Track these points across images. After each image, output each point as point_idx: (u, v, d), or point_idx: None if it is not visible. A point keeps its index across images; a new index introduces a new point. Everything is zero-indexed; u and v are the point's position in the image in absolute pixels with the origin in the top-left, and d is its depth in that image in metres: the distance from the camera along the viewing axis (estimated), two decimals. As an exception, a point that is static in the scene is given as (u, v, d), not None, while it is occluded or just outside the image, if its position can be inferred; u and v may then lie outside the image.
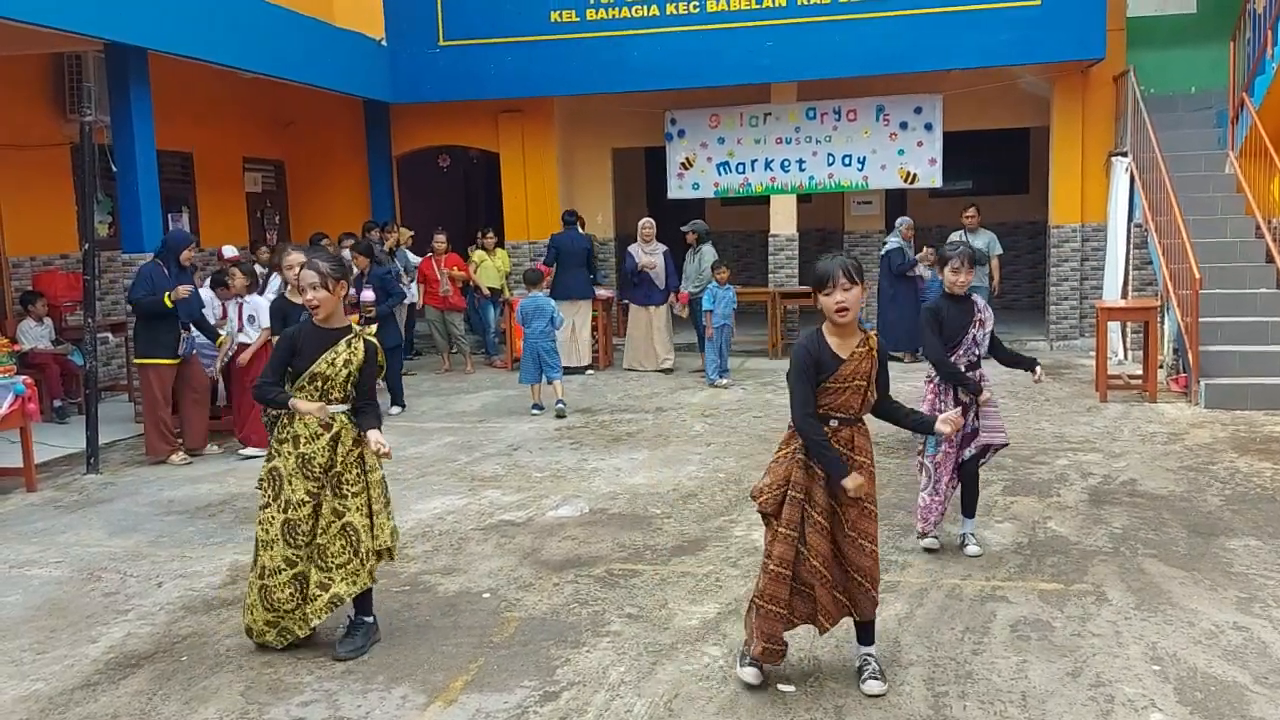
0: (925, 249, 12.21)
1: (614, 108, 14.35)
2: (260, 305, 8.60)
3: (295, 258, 6.12)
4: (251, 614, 4.52)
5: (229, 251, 11.03)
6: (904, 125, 13.65)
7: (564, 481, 7.36)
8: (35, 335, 9.97)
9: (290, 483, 4.43)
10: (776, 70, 13.12)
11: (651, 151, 15.59)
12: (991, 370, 5.66)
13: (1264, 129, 10.60)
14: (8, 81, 10.40)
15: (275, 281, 9.56)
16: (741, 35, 12.93)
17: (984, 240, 12.18)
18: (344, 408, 4.48)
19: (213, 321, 8.75)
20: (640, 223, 12.23)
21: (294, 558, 4.44)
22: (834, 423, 3.94)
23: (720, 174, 14.25)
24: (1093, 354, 10.49)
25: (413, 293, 12.96)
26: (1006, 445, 5.76)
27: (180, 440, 8.42)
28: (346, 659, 4.44)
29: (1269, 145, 10.50)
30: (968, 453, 5.49)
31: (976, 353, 5.43)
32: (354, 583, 4.45)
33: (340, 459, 4.43)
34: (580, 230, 12.74)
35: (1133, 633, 4.49)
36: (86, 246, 8.30)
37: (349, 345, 4.46)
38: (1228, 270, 10.36)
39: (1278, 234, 10.59)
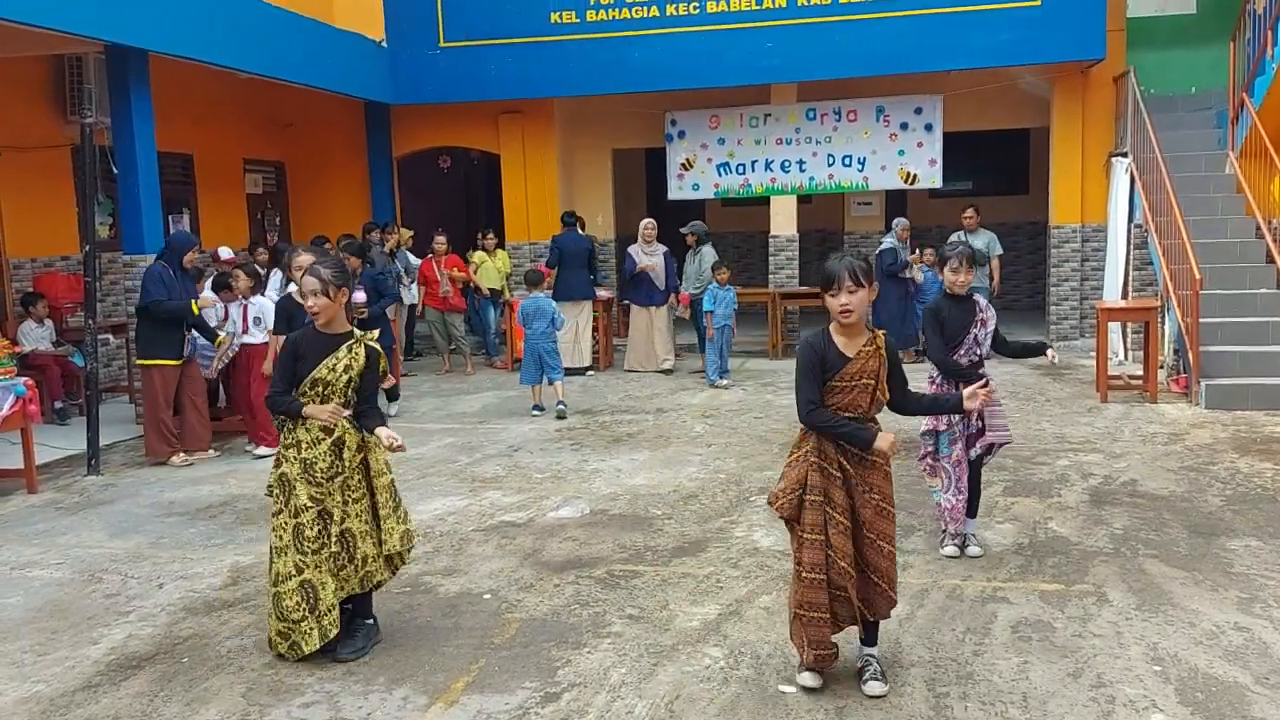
0: (925, 250, 12.22)
1: (614, 109, 14.35)
2: (266, 306, 8.60)
3: (304, 259, 6.13)
4: (269, 622, 4.52)
5: (225, 253, 11.05)
6: (904, 126, 13.65)
7: (565, 482, 7.36)
8: (36, 337, 9.98)
9: (295, 488, 4.43)
10: (777, 71, 13.12)
11: (652, 152, 15.59)
12: (992, 371, 5.66)
13: (1264, 129, 10.61)
14: (8, 83, 10.40)
15: (275, 281, 9.57)
16: (742, 36, 12.93)
17: (984, 240, 12.18)
18: (347, 412, 4.48)
19: (213, 324, 8.75)
20: (641, 224, 12.23)
21: (301, 564, 4.42)
22: (845, 435, 3.94)
23: (720, 175, 14.26)
24: (1093, 354, 10.49)
25: (413, 294, 12.97)
26: (1010, 443, 5.76)
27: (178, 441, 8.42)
28: (347, 660, 4.44)
29: (1269, 145, 10.50)
30: (974, 452, 5.49)
31: (978, 352, 5.43)
32: (342, 589, 4.46)
33: (345, 465, 4.43)
34: (579, 231, 12.75)
35: (1134, 633, 4.49)
36: (87, 248, 8.31)
37: (350, 351, 4.45)
38: (1228, 271, 10.36)
39: (1278, 234, 10.59)
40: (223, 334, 8.71)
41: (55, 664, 4.56)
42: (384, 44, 13.90)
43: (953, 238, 11.55)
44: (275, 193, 15.16)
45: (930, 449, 5.55)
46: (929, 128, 13.57)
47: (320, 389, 4.41)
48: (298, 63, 11.83)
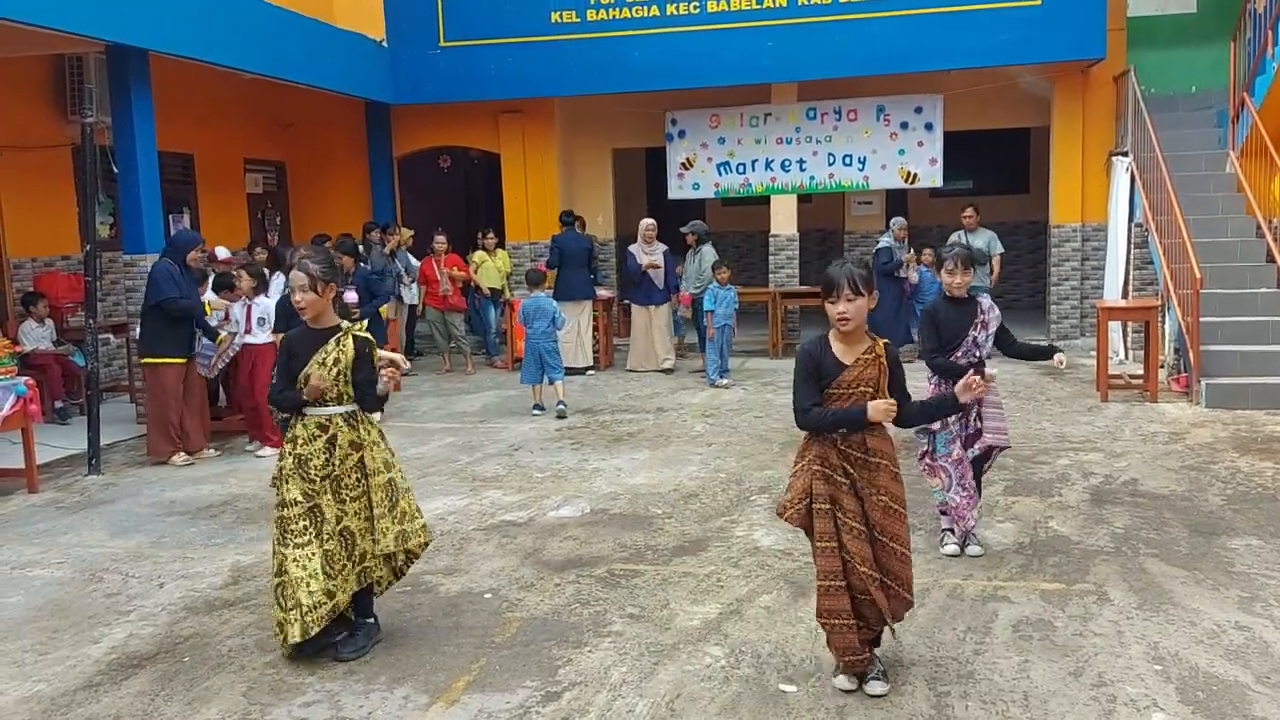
0: (924, 250, 12.22)
1: (614, 108, 14.36)
2: (269, 307, 8.60)
3: None
4: (272, 612, 4.53)
5: (222, 253, 11.06)
6: (904, 125, 13.65)
7: (565, 482, 7.36)
8: (37, 336, 9.98)
9: (287, 482, 4.44)
10: (777, 70, 13.13)
11: (652, 152, 15.59)
12: (993, 370, 5.65)
13: (1264, 128, 10.61)
14: (9, 83, 10.41)
15: (278, 281, 9.56)
16: (742, 35, 12.93)
17: (984, 240, 12.18)
18: (340, 409, 4.45)
19: (214, 323, 8.75)
20: (642, 224, 12.22)
21: (281, 557, 4.44)
22: (843, 429, 3.94)
23: (721, 174, 14.26)
24: (1094, 354, 10.49)
25: (413, 294, 12.96)
26: (1008, 448, 5.76)
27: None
28: (348, 659, 4.44)
29: (1269, 145, 10.50)
30: (971, 453, 5.49)
31: (977, 354, 5.43)
32: (346, 590, 4.46)
33: (339, 462, 4.42)
34: (578, 230, 12.75)
35: (1134, 632, 4.49)
36: (88, 248, 8.31)
37: (338, 344, 4.44)
38: (1228, 270, 10.36)
39: (1278, 233, 10.59)
40: (224, 333, 8.71)
41: (56, 663, 4.56)
42: (384, 44, 13.91)
43: (953, 237, 11.57)
44: (276, 192, 15.17)
45: (927, 448, 5.55)
46: (929, 127, 13.57)
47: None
48: (298, 63, 11.83)
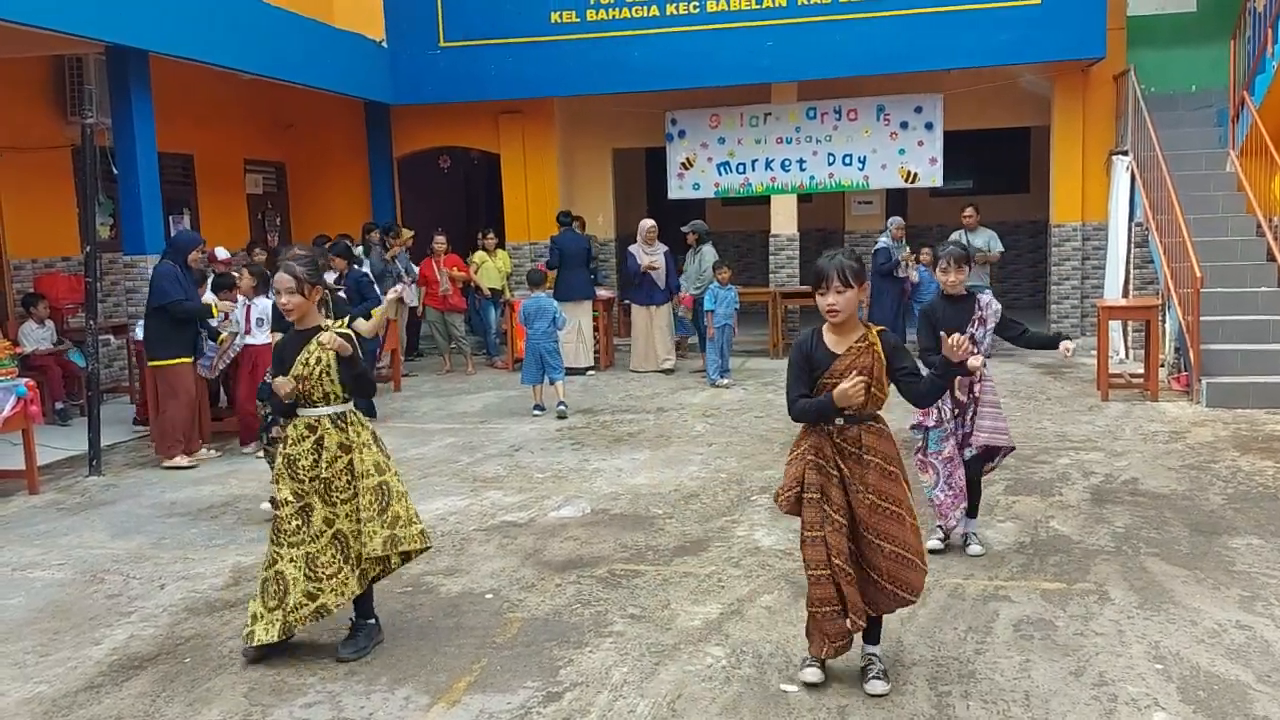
0: (924, 249, 12.21)
1: (614, 108, 14.36)
2: (267, 307, 8.60)
3: None
4: (250, 604, 4.57)
5: (221, 253, 11.05)
6: (904, 125, 13.65)
7: (566, 482, 7.36)
8: (37, 338, 9.98)
9: (278, 483, 4.47)
10: (776, 70, 13.13)
11: (652, 152, 15.60)
12: (992, 370, 5.65)
13: (1264, 127, 10.60)
14: (9, 84, 10.41)
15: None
16: (741, 35, 12.94)
17: (984, 239, 12.17)
18: (328, 410, 4.44)
19: (214, 323, 8.75)
20: (642, 225, 12.21)
21: (276, 555, 4.47)
22: (840, 420, 3.93)
23: (721, 174, 14.26)
24: (1094, 353, 10.49)
25: (413, 295, 12.96)
26: (1012, 450, 5.73)
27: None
28: (349, 660, 4.44)
29: (1269, 144, 10.49)
30: (967, 453, 5.49)
31: (976, 351, 5.43)
32: (342, 593, 4.44)
33: (326, 464, 4.41)
34: (576, 230, 12.75)
35: (1135, 632, 4.49)
36: (88, 249, 8.30)
37: (319, 343, 4.45)
38: (1229, 269, 10.36)
39: (1278, 232, 10.58)
40: (224, 333, 8.71)
41: (57, 664, 4.56)
42: (384, 44, 13.91)
43: (953, 236, 11.56)
44: (276, 193, 15.17)
45: (920, 444, 5.56)
46: (929, 126, 13.57)
47: (301, 386, 4.42)
48: (298, 63, 11.84)
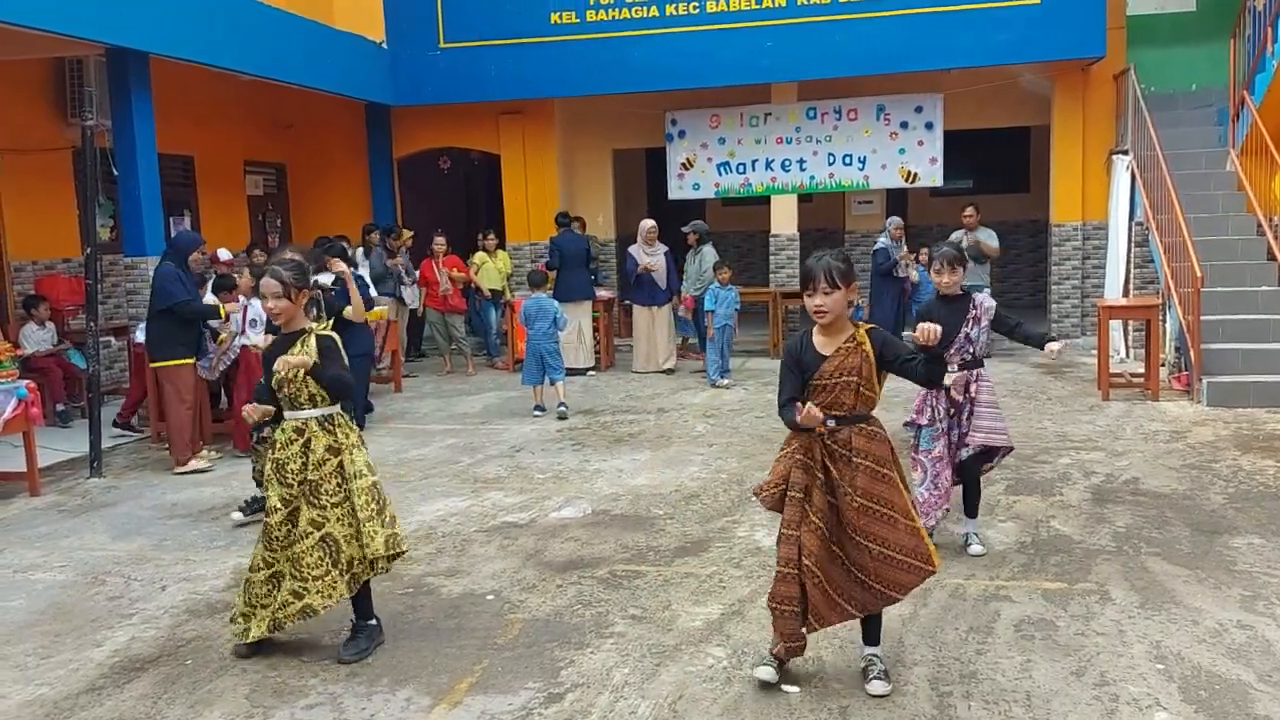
0: (922, 249, 12.21)
1: (614, 109, 14.36)
2: (261, 309, 8.61)
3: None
4: (236, 600, 4.61)
5: (224, 254, 11.05)
6: (904, 124, 13.65)
7: (566, 483, 7.36)
8: (38, 339, 9.98)
9: (267, 488, 4.47)
10: (776, 70, 13.13)
11: (652, 152, 15.59)
12: (993, 370, 5.65)
13: (1265, 126, 10.61)
14: (9, 85, 10.41)
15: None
16: (741, 36, 12.93)
17: (984, 239, 12.15)
18: (315, 412, 4.44)
19: (214, 324, 8.76)
20: (642, 225, 12.20)
21: (271, 559, 4.49)
22: (831, 422, 3.93)
23: (721, 174, 14.26)
24: (1094, 352, 10.49)
25: (413, 296, 12.96)
26: (1011, 450, 5.73)
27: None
28: (351, 662, 4.44)
29: (1270, 143, 10.49)
30: (964, 453, 5.49)
31: (971, 350, 5.44)
32: (329, 595, 4.42)
33: (313, 466, 4.40)
34: (576, 231, 12.75)
35: (1137, 631, 4.49)
36: (88, 250, 8.31)
37: (302, 345, 4.44)
38: (1229, 268, 10.36)
39: (1279, 231, 10.58)
40: (224, 333, 8.72)
41: (59, 666, 4.56)
42: (384, 45, 13.91)
43: (953, 236, 11.56)
44: (276, 194, 15.17)
45: (914, 441, 5.57)
46: (929, 126, 13.57)
47: (284, 389, 4.42)
48: (298, 64, 11.84)
